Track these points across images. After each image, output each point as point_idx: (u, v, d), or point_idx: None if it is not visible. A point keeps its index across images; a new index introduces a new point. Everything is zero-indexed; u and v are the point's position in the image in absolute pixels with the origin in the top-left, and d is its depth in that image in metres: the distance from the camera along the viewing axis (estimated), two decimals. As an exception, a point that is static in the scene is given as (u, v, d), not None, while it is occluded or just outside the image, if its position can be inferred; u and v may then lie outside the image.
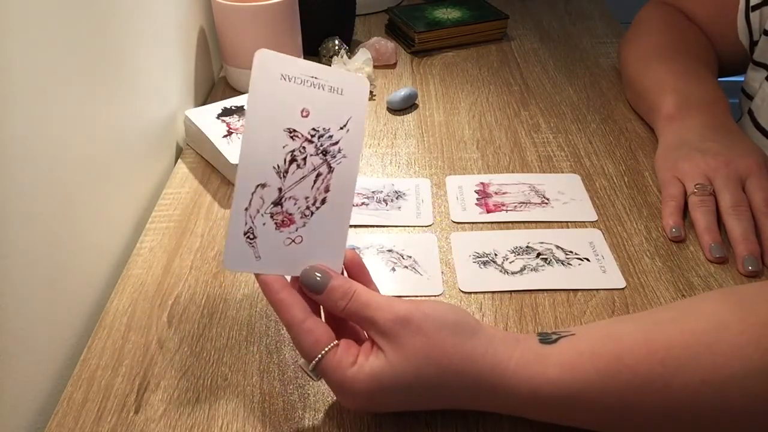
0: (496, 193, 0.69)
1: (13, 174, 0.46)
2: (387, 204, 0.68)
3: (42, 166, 0.50)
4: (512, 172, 0.73)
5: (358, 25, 1.06)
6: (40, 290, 0.50)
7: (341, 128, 0.46)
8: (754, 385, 0.39)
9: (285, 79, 0.44)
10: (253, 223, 0.44)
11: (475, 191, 0.70)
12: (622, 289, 0.58)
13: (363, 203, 0.68)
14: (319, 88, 0.45)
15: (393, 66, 0.96)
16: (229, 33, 0.83)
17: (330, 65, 0.87)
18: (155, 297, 0.58)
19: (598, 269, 0.60)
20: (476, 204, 0.68)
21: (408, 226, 0.65)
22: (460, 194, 0.69)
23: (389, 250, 0.62)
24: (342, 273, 0.46)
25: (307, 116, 0.45)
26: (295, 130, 0.45)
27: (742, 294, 0.43)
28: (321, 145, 0.45)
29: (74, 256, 0.55)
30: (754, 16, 0.76)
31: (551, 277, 0.59)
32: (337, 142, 0.46)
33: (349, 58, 0.87)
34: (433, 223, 0.65)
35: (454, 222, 0.66)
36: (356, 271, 0.47)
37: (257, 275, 0.44)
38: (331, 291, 0.44)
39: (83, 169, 0.57)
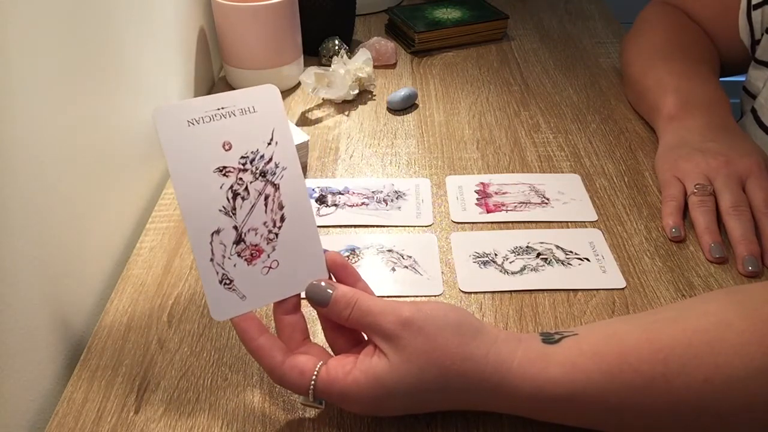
0: (496, 193, 0.69)
1: (14, 174, 0.46)
2: (387, 204, 0.68)
3: (42, 167, 0.50)
4: (512, 172, 0.73)
5: (358, 25, 1.06)
6: (39, 290, 0.50)
7: (269, 143, 0.45)
8: (756, 384, 0.39)
9: (192, 123, 0.43)
10: (223, 269, 0.44)
11: (475, 191, 0.70)
12: (622, 289, 0.58)
13: (363, 203, 0.68)
14: (229, 116, 0.44)
15: (393, 66, 0.96)
16: (229, 33, 0.83)
17: (330, 65, 0.87)
18: (155, 297, 0.57)
19: (598, 269, 0.59)
20: (476, 204, 0.68)
21: (408, 226, 0.65)
22: (460, 194, 0.69)
23: (389, 250, 0.62)
24: (330, 277, 0.47)
25: (230, 149, 0.44)
26: (225, 167, 0.44)
27: (744, 293, 0.43)
28: (257, 169, 0.45)
29: (74, 255, 0.55)
30: (756, 14, 0.76)
31: (551, 277, 0.59)
32: (270, 159, 0.45)
33: (349, 58, 0.87)
34: (433, 223, 0.65)
35: (454, 222, 0.66)
36: (340, 271, 0.47)
37: (234, 322, 0.44)
38: (334, 303, 0.44)
39: (83, 169, 0.57)
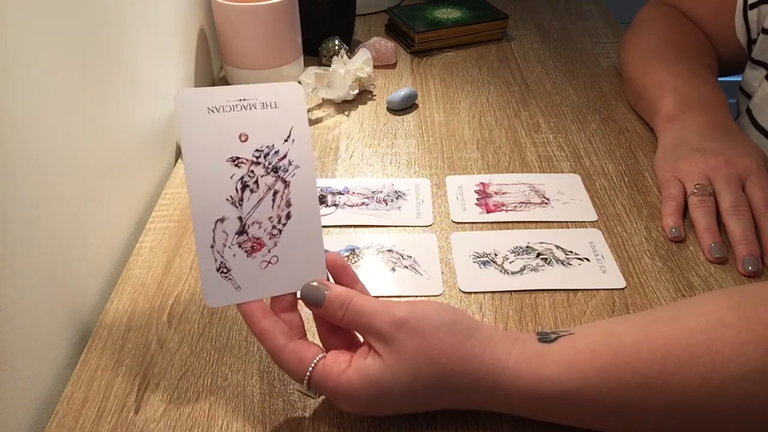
0: (496, 193, 0.69)
1: (14, 175, 0.46)
2: (387, 204, 0.68)
3: (42, 167, 0.50)
4: (512, 172, 0.73)
5: (358, 25, 1.06)
6: (40, 290, 0.50)
7: (285, 140, 0.45)
8: (753, 384, 0.39)
9: (213, 111, 0.44)
10: (222, 257, 0.44)
11: (475, 191, 0.70)
12: (622, 289, 0.58)
13: (363, 203, 0.68)
14: (250, 108, 0.44)
15: (393, 66, 0.96)
16: (229, 33, 0.83)
17: (330, 65, 0.87)
18: (155, 297, 0.58)
19: (598, 269, 0.60)
20: (476, 204, 0.68)
21: (408, 226, 0.65)
22: (460, 194, 0.69)
23: (389, 250, 0.62)
24: (327, 278, 0.47)
25: (246, 140, 0.44)
26: (238, 158, 0.44)
27: (742, 294, 0.43)
28: (269, 164, 0.45)
29: (74, 256, 0.55)
30: (752, 14, 0.76)
31: (551, 277, 0.59)
32: (285, 156, 0.45)
33: (349, 58, 0.87)
34: (433, 223, 0.65)
35: (454, 222, 0.66)
36: (340, 272, 0.47)
37: (239, 305, 0.44)
38: (328, 303, 0.44)
39: (83, 169, 0.57)
